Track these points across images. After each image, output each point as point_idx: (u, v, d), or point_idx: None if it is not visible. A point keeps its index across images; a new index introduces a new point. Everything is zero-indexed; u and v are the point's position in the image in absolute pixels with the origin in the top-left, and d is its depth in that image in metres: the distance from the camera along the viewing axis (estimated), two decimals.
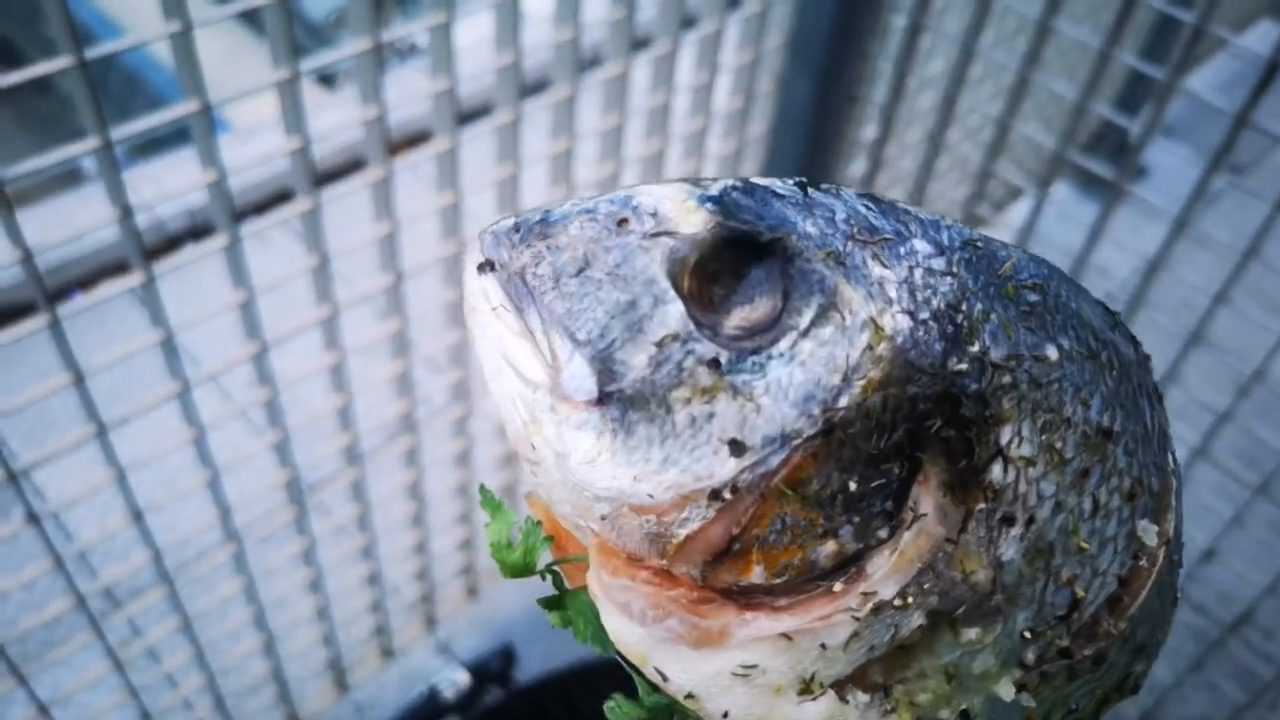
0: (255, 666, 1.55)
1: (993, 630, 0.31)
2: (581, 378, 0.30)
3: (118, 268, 2.30)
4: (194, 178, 1.06)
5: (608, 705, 0.37)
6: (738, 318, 0.30)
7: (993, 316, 0.31)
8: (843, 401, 0.29)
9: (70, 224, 0.99)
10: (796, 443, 0.29)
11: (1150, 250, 1.36)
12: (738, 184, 0.32)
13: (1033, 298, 0.32)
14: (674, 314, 0.30)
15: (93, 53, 0.90)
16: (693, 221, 0.31)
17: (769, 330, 0.30)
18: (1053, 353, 0.31)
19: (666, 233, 0.30)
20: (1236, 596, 2.08)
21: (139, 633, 1.38)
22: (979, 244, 0.33)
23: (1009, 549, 0.30)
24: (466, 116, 1.29)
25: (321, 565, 1.47)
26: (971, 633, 0.31)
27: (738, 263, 0.30)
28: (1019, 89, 1.42)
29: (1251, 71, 1.20)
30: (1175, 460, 0.36)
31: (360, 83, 1.12)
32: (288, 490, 1.35)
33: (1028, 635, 0.32)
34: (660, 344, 0.30)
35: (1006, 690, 0.32)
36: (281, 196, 2.46)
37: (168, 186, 2.41)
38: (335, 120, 1.77)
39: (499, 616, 1.84)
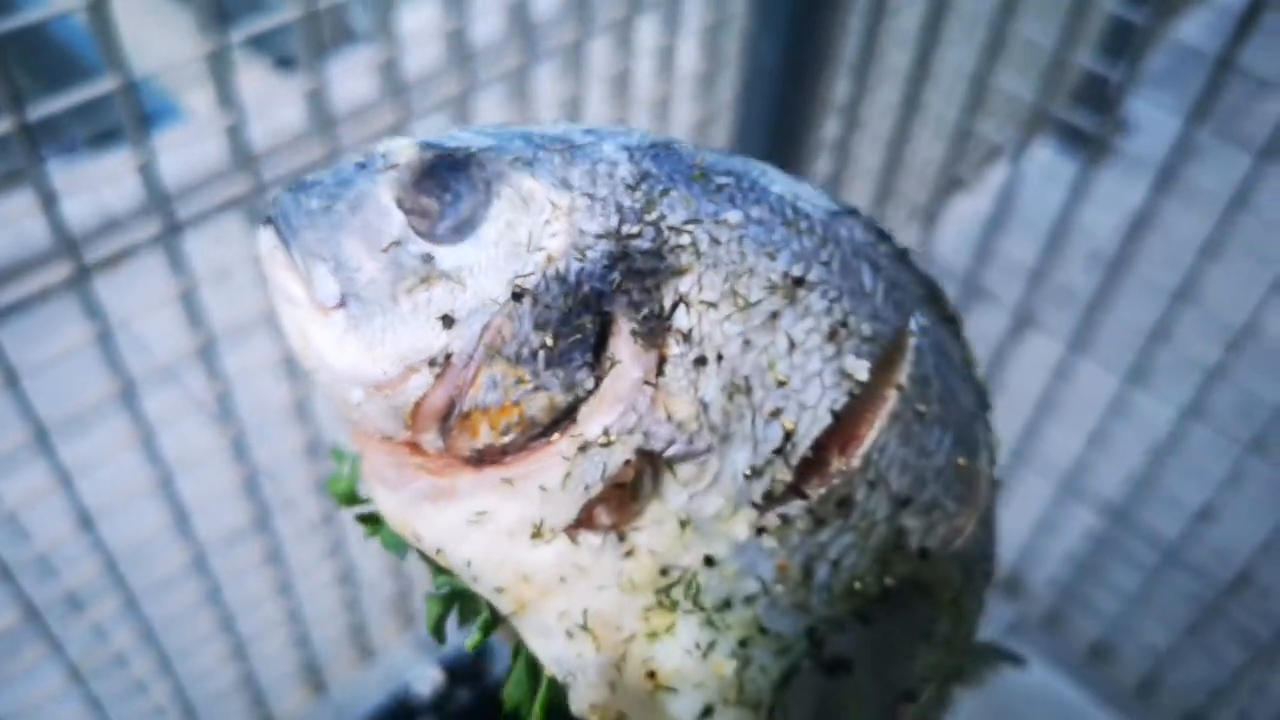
0: (226, 672, 1.49)
1: (708, 468, 0.33)
2: (327, 287, 0.36)
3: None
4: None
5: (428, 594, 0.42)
6: (447, 220, 0.35)
7: (673, 192, 0.35)
8: (528, 270, 0.34)
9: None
10: (493, 310, 0.35)
11: (1137, 208, 1.31)
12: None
13: (723, 180, 0.36)
14: (396, 224, 0.36)
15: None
16: (410, 155, 0.37)
17: (470, 225, 0.35)
18: (734, 216, 0.35)
19: (392, 167, 0.37)
20: (1234, 557, 2.05)
21: (102, 640, 1.32)
22: (672, 145, 0.38)
23: (707, 388, 0.33)
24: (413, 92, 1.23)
25: (290, 564, 1.42)
26: (687, 470, 0.33)
27: (448, 179, 0.36)
28: (995, 41, 1.36)
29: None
30: (922, 323, 0.37)
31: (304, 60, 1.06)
32: (246, 488, 1.30)
33: (749, 473, 0.34)
34: (386, 250, 0.36)
35: (741, 531, 0.34)
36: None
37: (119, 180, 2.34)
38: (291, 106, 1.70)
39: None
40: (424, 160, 0.36)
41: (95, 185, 1.72)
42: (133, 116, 0.96)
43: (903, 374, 0.36)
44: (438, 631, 0.44)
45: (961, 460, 0.38)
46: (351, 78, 1.59)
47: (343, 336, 0.36)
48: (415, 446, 0.36)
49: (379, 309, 0.35)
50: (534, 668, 0.37)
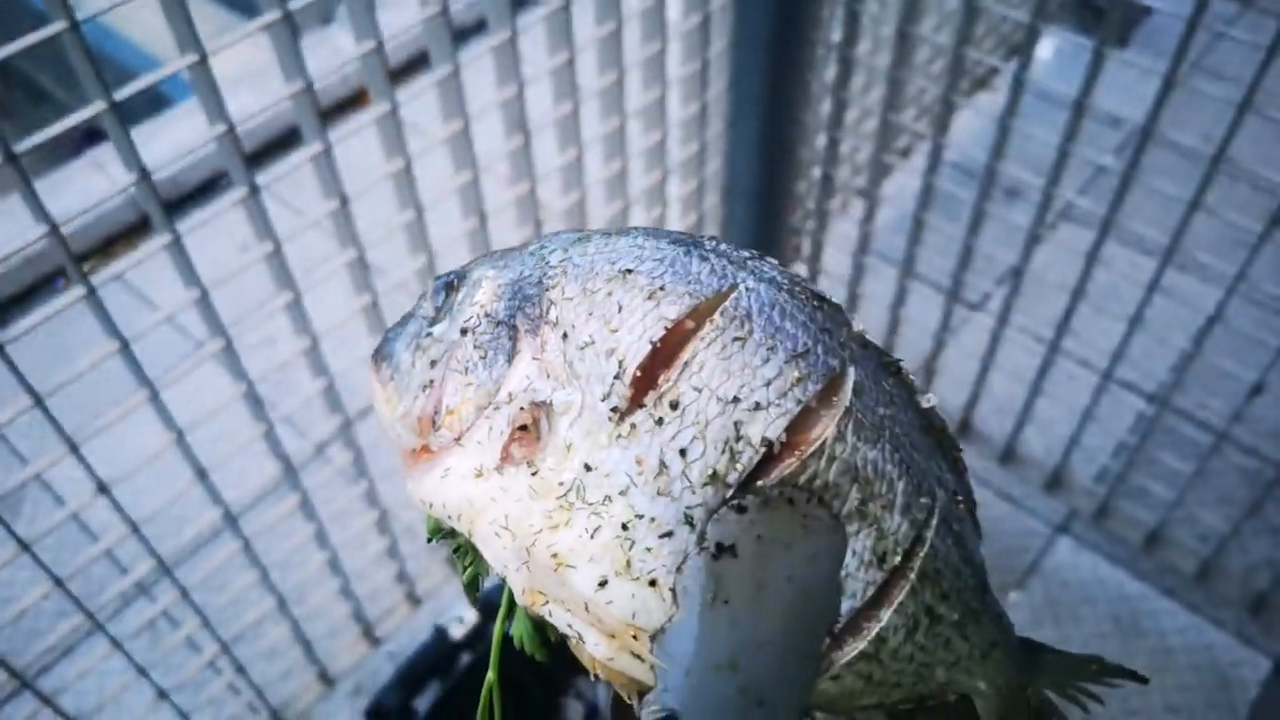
0: (275, 630, 1.51)
1: (575, 403, 0.46)
2: (383, 373, 0.54)
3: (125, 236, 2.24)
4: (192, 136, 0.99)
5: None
6: (440, 309, 0.53)
7: (556, 248, 0.51)
8: (469, 316, 0.51)
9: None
10: (453, 344, 0.51)
11: (1159, 86, 1.25)
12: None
13: (595, 235, 0.51)
14: (421, 329, 0.54)
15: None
16: (435, 284, 0.55)
17: (448, 307, 0.53)
18: (592, 247, 0.50)
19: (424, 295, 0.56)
20: None
21: (150, 603, 1.34)
22: (587, 239, 0.51)
23: (568, 350, 0.47)
24: (402, 72, 1.20)
25: (324, 517, 1.42)
26: (562, 407, 0.47)
27: (447, 286, 0.54)
28: None
29: None
30: (749, 285, 0.49)
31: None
32: (270, 443, 1.29)
33: (603, 398, 0.46)
34: (412, 341, 0.54)
35: (604, 440, 0.46)
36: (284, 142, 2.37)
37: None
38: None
39: None
40: (440, 284, 0.54)
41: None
42: (206, 86, 0.94)
43: (719, 314, 0.46)
44: (472, 586, 0.56)
45: (796, 372, 0.46)
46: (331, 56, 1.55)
47: (384, 391, 0.54)
48: (427, 449, 0.51)
49: (403, 372, 0.53)
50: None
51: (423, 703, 1.13)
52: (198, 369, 1.13)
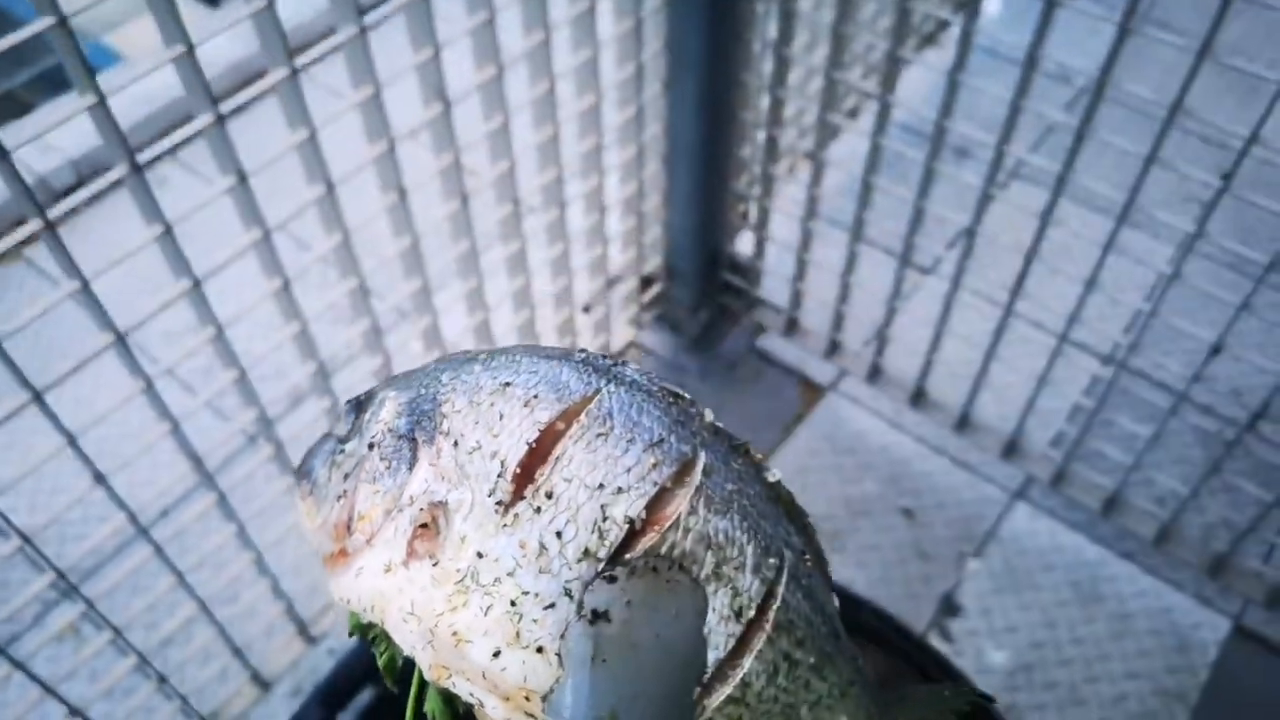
0: (204, 633, 1.43)
1: (466, 500, 0.52)
2: (304, 488, 0.60)
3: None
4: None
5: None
6: (351, 429, 0.59)
7: (448, 370, 0.57)
8: (374, 435, 0.56)
9: None
10: (361, 458, 0.57)
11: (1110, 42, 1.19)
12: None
13: (484, 358, 0.57)
14: (335, 447, 0.60)
15: None
16: (347, 406, 0.61)
17: (357, 428, 0.59)
18: (478, 367, 0.56)
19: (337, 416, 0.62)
20: (1248, 391, 1.97)
21: (73, 606, 1.25)
22: (474, 359, 0.58)
23: (459, 455, 0.53)
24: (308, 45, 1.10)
25: (247, 515, 1.34)
26: (456, 505, 0.52)
27: (358, 408, 0.60)
28: None
29: None
30: (610, 389, 0.55)
31: None
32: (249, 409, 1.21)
33: (488, 494, 0.52)
34: (328, 461, 0.59)
35: (491, 530, 0.51)
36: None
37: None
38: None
39: None
40: (350, 406, 0.60)
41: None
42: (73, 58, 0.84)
43: (584, 415, 0.53)
44: (389, 669, 0.61)
45: (652, 459, 0.52)
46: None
47: (308, 507, 0.59)
48: (344, 552, 0.56)
49: (320, 486, 0.58)
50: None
51: (350, 713, 1.06)
52: (98, 360, 1.05)
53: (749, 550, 0.53)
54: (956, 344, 2.07)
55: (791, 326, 1.92)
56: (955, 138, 1.50)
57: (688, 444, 0.53)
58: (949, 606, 1.74)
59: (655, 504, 0.51)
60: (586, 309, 1.90)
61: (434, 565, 0.51)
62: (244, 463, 1.57)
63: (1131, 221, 1.37)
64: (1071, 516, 1.83)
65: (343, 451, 0.57)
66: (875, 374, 1.86)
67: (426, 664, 0.52)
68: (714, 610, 0.51)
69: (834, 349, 1.89)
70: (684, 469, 0.52)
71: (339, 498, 0.55)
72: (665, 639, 0.50)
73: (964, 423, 1.78)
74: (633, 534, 0.51)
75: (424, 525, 0.52)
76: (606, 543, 0.50)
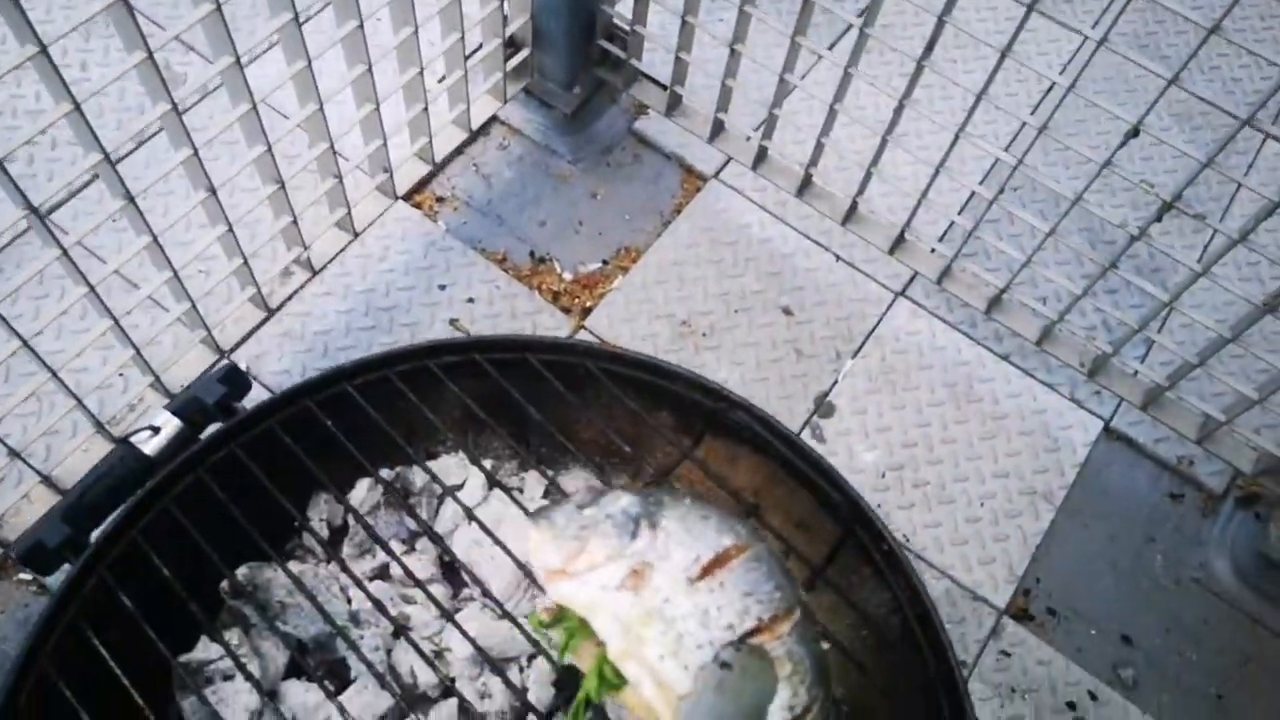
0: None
1: (666, 569, 0.84)
2: (541, 526, 0.88)
3: None
4: None
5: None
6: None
7: (668, 497, 0.89)
8: (609, 511, 0.88)
9: None
10: (593, 523, 0.87)
11: None
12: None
13: (689, 502, 0.89)
14: (574, 511, 0.90)
15: None
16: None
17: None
18: (688, 501, 0.90)
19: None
20: (1138, 197, 1.91)
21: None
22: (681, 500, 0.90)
23: (671, 546, 0.85)
24: None
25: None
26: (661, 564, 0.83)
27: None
28: None
29: None
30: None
31: None
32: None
33: (683, 574, 0.85)
34: (569, 514, 0.88)
35: (681, 588, 0.84)
36: None
37: None
38: None
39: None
40: (591, 488, 0.93)
41: None
42: None
43: (749, 553, 0.86)
44: (563, 651, 0.88)
45: (779, 593, 0.84)
46: None
47: (543, 537, 0.86)
48: (564, 571, 0.84)
49: (559, 528, 0.87)
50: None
51: (94, 534, 0.91)
52: None
53: (809, 674, 0.80)
54: (849, 132, 1.93)
55: (674, 105, 1.74)
56: None
57: (796, 595, 0.84)
58: (823, 406, 1.68)
59: (771, 619, 0.81)
60: (441, 79, 1.68)
61: (635, 595, 0.81)
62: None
63: (1040, 7, 1.22)
64: (952, 317, 1.77)
65: (582, 512, 0.85)
66: (761, 159, 1.71)
67: (616, 646, 0.80)
68: (780, 698, 0.79)
69: (719, 131, 1.72)
70: (790, 608, 0.83)
71: (574, 538, 0.83)
72: (750, 697, 0.77)
73: (851, 215, 1.66)
74: (757, 629, 0.80)
75: (636, 571, 0.81)
76: (742, 626, 0.79)
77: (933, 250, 1.63)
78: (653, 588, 0.80)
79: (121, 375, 1.55)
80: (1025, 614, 1.55)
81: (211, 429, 1.00)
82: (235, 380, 1.02)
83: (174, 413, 0.97)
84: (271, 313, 1.62)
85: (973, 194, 1.68)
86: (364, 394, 1.01)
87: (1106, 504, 1.65)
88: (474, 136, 1.84)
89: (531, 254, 1.76)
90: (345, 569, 0.92)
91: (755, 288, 1.77)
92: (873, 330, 1.75)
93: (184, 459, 0.95)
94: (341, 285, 1.68)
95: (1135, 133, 1.15)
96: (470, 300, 1.70)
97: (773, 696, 0.77)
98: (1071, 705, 1.48)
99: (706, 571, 0.80)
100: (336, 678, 1.03)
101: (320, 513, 1.07)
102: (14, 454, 1.25)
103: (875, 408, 1.69)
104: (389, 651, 1.01)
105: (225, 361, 1.44)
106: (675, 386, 1.08)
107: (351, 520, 1.11)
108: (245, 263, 1.45)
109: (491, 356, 1.04)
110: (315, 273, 1.66)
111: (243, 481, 0.95)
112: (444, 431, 1.01)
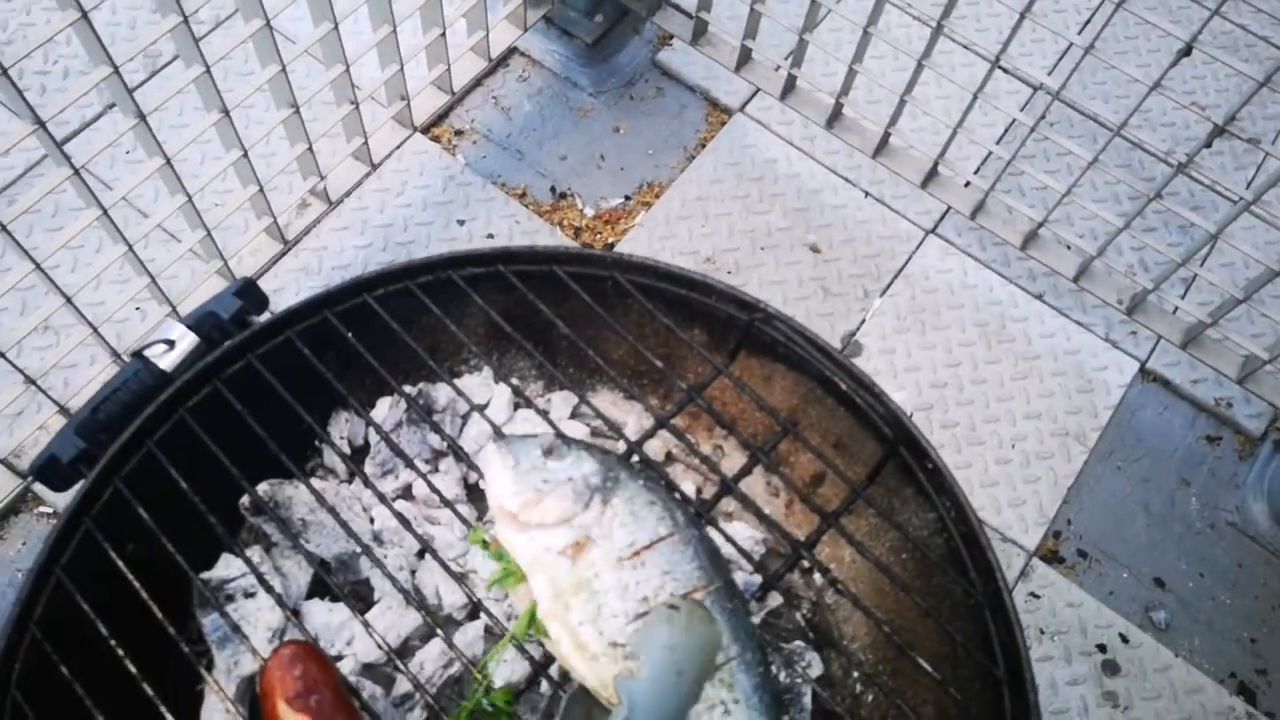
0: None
1: (604, 547, 0.87)
2: (505, 456, 0.91)
3: None
4: None
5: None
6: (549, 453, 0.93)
7: (625, 474, 0.92)
8: (572, 474, 0.91)
9: None
10: (555, 481, 0.90)
11: None
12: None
13: (644, 481, 0.92)
14: (540, 458, 0.91)
15: None
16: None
17: (554, 451, 0.93)
18: (640, 482, 0.92)
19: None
20: (1185, 126, 1.84)
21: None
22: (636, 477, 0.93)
23: (614, 528, 0.89)
24: None
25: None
26: (601, 542, 0.88)
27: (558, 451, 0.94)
28: None
29: None
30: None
31: None
32: None
33: (617, 554, 0.88)
34: (533, 460, 0.91)
35: (612, 565, 0.88)
36: None
37: None
38: None
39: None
40: (559, 438, 0.92)
41: None
42: None
43: (675, 538, 0.90)
44: (496, 582, 0.92)
45: (698, 572, 0.89)
46: None
47: (503, 473, 0.89)
48: (517, 518, 0.87)
49: (521, 471, 0.89)
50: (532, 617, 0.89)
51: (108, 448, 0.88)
52: None
53: (725, 634, 0.85)
54: (881, 64, 1.88)
55: (700, 32, 1.69)
56: None
57: (714, 573, 0.88)
58: (850, 345, 1.64)
59: (684, 595, 0.85)
60: (459, 3, 1.63)
61: (572, 564, 0.84)
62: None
63: None
64: (985, 255, 1.72)
65: (546, 464, 0.88)
66: (790, 90, 1.66)
67: (545, 607, 0.85)
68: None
69: (745, 60, 1.67)
70: (708, 584, 0.86)
71: (536, 489, 0.87)
72: (699, 634, 0.83)
73: (883, 147, 1.61)
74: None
75: (578, 542, 0.85)
76: (655, 600, 0.84)
77: (967, 184, 1.58)
78: (588, 560, 0.84)
79: (139, 309, 1.52)
80: (1055, 556, 1.52)
81: (228, 343, 0.97)
82: (252, 295, 0.99)
83: (189, 327, 0.94)
84: (289, 246, 1.59)
85: (1013, 121, 1.62)
86: (385, 306, 0.98)
87: (1140, 446, 1.61)
88: (493, 68, 1.80)
89: (552, 189, 1.72)
90: (370, 484, 0.89)
91: (782, 224, 1.73)
92: (902, 268, 1.71)
93: (200, 369, 0.92)
94: (359, 219, 1.64)
95: (1188, 50, 1.10)
96: (490, 236, 1.66)
97: (717, 639, 0.82)
98: (1102, 647, 1.45)
99: (636, 554, 0.85)
100: (359, 599, 1.01)
101: (340, 431, 1.04)
102: (30, 381, 1.23)
103: (904, 347, 1.65)
104: (413, 572, 0.98)
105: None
106: (709, 300, 1.04)
107: (373, 439, 1.08)
108: (261, 190, 1.42)
109: (517, 268, 1.00)
110: (332, 205, 1.62)
111: (261, 396, 0.92)
112: (469, 345, 0.98)
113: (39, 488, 1.39)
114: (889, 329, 1.66)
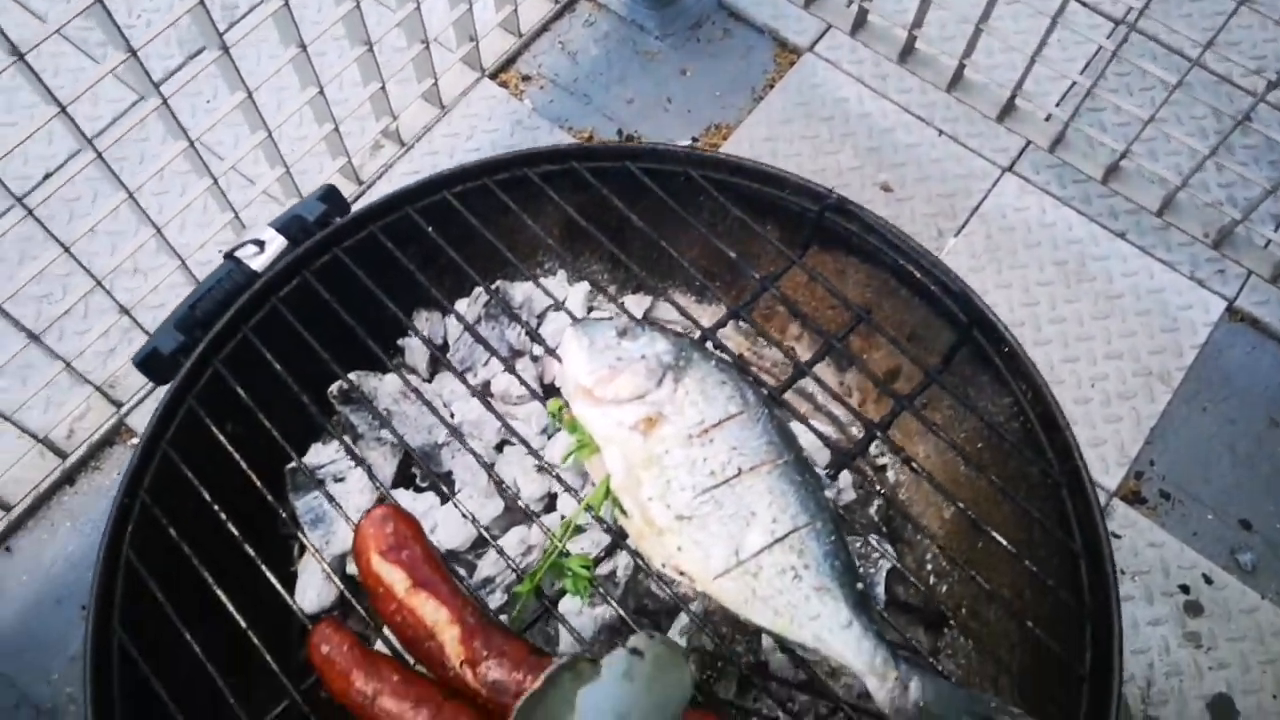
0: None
1: (676, 424, 0.88)
2: (580, 338, 0.92)
3: None
4: None
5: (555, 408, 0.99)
6: (623, 333, 0.95)
7: (698, 355, 0.92)
8: (645, 352, 0.91)
9: None
10: (629, 359, 0.91)
11: None
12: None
13: (715, 362, 0.93)
14: (614, 338, 0.93)
15: None
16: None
17: (627, 332, 0.94)
18: (713, 363, 0.92)
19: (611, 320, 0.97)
20: (1271, 56, 1.77)
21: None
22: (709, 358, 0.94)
23: (685, 405, 0.89)
24: None
25: None
26: (674, 418, 0.90)
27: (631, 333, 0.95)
28: None
29: None
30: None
31: None
32: None
33: (687, 431, 0.89)
34: (607, 340, 0.93)
35: (681, 442, 0.89)
36: None
37: None
38: None
39: None
40: (632, 318, 0.96)
41: None
42: None
43: (745, 415, 0.90)
44: (574, 452, 0.95)
45: (767, 447, 0.90)
46: None
47: (579, 352, 0.90)
48: (592, 393, 0.89)
49: (596, 350, 0.90)
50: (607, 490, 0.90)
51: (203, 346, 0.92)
52: None
53: (793, 504, 0.87)
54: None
55: None
56: None
57: (783, 448, 0.88)
58: None
59: (751, 469, 0.86)
60: None
61: (644, 439, 0.86)
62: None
63: None
64: (1063, 192, 1.68)
65: (620, 344, 0.89)
66: (861, 24, 1.63)
67: (618, 480, 0.86)
68: (760, 522, 0.86)
69: None
70: (777, 458, 0.87)
71: (610, 366, 0.88)
72: (660, 689, 0.74)
73: (958, 81, 1.58)
74: (737, 475, 0.86)
75: (650, 419, 0.86)
76: (723, 475, 0.85)
77: (1048, 117, 1.54)
78: (658, 436, 0.85)
79: (219, 250, 1.55)
80: (1137, 497, 1.49)
81: (316, 235, 1.00)
82: (335, 199, 1.01)
83: (278, 230, 0.97)
84: (363, 188, 1.61)
85: (1097, 51, 1.57)
86: (463, 204, 0.99)
87: (1227, 386, 1.56)
88: (560, 12, 1.79)
89: (619, 132, 1.72)
90: (456, 372, 0.92)
91: (853, 164, 1.70)
92: (977, 207, 1.67)
93: (289, 261, 0.96)
94: (429, 163, 1.66)
95: None
96: None
97: (686, 691, 0.73)
98: (1185, 589, 1.42)
99: (705, 432, 0.86)
100: (438, 493, 1.03)
101: (420, 328, 1.06)
102: (124, 311, 1.27)
103: (979, 286, 1.60)
104: (492, 465, 1.00)
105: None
106: (782, 194, 1.03)
107: (452, 338, 1.10)
108: (336, 129, 1.44)
109: (591, 165, 1.00)
110: (405, 147, 1.64)
111: (346, 292, 0.94)
112: (545, 239, 0.99)
113: (131, 419, 1.43)
114: (964, 268, 1.62)
